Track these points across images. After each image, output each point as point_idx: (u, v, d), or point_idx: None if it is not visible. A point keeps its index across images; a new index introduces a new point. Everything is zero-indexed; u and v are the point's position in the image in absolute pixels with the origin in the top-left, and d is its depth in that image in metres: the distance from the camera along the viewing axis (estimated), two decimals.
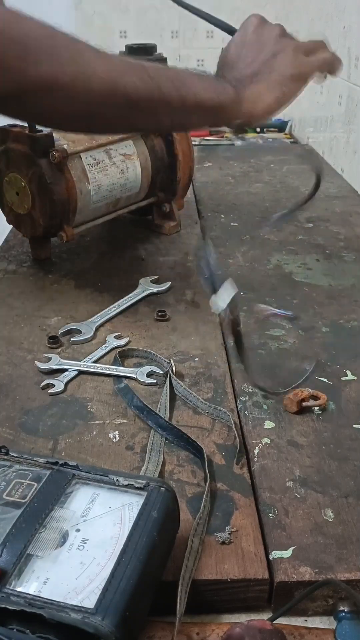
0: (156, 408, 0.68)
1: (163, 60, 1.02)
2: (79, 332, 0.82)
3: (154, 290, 0.93)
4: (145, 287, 0.94)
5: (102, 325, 0.85)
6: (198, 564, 0.50)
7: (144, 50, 1.02)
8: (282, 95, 0.71)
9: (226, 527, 0.53)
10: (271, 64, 0.71)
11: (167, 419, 0.66)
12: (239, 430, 0.65)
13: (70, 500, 0.48)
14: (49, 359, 0.75)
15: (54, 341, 0.80)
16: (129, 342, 0.80)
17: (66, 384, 0.72)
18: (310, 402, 0.67)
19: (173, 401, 0.70)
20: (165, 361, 0.75)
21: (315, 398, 0.68)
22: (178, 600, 0.45)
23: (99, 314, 0.86)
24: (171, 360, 0.75)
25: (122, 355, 0.77)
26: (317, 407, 0.67)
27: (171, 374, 0.72)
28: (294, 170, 1.55)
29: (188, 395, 0.70)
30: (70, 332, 0.82)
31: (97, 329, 0.83)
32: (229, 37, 0.78)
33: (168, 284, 0.94)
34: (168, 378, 0.72)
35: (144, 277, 0.96)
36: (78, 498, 0.48)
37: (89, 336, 0.81)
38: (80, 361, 0.76)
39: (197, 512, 0.54)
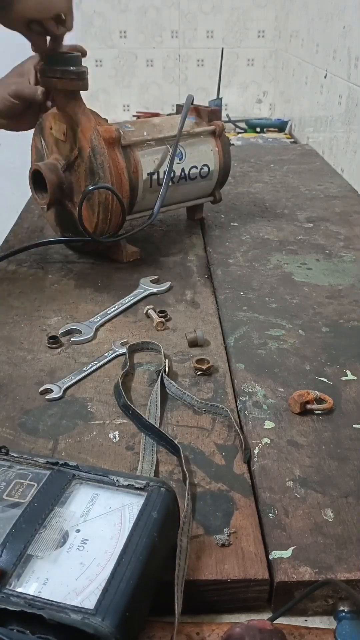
0: (147, 407, 0.68)
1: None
2: (79, 332, 0.82)
3: (154, 290, 0.93)
4: (145, 287, 0.94)
5: (102, 325, 0.85)
6: (194, 563, 0.50)
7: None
8: None
9: (225, 529, 0.53)
10: None
11: (157, 417, 0.66)
12: (238, 425, 0.65)
13: (70, 500, 0.48)
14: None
15: (54, 341, 0.80)
16: None
17: (64, 390, 0.71)
18: (315, 406, 0.67)
19: (174, 401, 0.70)
20: (163, 360, 0.75)
21: (321, 401, 0.68)
22: (175, 600, 0.45)
23: (99, 314, 0.86)
24: (166, 360, 0.75)
25: (133, 350, 0.78)
26: (321, 411, 0.67)
27: (163, 374, 0.72)
28: (294, 170, 1.55)
29: (182, 394, 0.70)
30: (70, 332, 0.82)
31: (97, 329, 0.83)
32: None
33: (168, 284, 0.94)
34: (160, 377, 0.72)
35: (144, 277, 0.96)
36: (78, 498, 0.48)
37: (89, 336, 0.81)
38: (83, 369, 0.75)
39: (196, 512, 0.54)
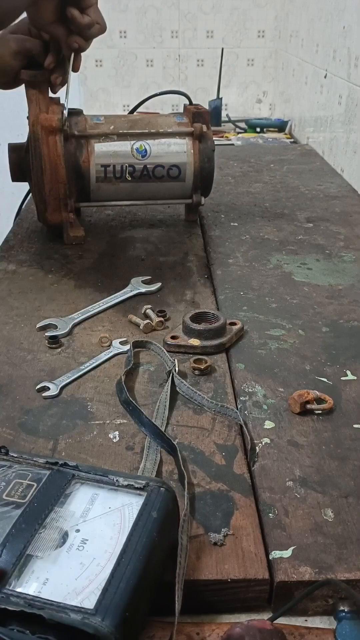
0: (155, 406, 0.68)
1: None
2: (55, 327, 0.83)
3: (142, 290, 0.93)
4: (135, 286, 0.94)
5: (80, 322, 0.85)
6: (194, 563, 0.50)
7: None
8: None
9: (222, 529, 0.53)
10: None
11: (165, 417, 0.66)
12: (248, 428, 0.65)
13: (70, 500, 0.48)
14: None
15: (54, 341, 0.80)
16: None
17: (61, 388, 0.71)
18: (315, 406, 0.67)
19: (173, 401, 0.70)
20: (170, 360, 0.75)
21: (321, 401, 0.68)
22: (176, 599, 0.45)
23: (80, 310, 0.87)
24: (175, 360, 0.75)
25: (137, 346, 0.78)
26: (321, 411, 0.67)
27: (174, 373, 0.72)
28: (294, 170, 1.55)
29: (192, 394, 0.70)
30: (47, 327, 0.83)
31: (74, 326, 0.84)
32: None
33: (159, 284, 0.94)
34: (170, 377, 0.72)
35: (136, 277, 0.96)
36: (78, 498, 0.48)
37: (64, 332, 0.82)
38: (80, 367, 0.75)
39: (197, 512, 0.54)
